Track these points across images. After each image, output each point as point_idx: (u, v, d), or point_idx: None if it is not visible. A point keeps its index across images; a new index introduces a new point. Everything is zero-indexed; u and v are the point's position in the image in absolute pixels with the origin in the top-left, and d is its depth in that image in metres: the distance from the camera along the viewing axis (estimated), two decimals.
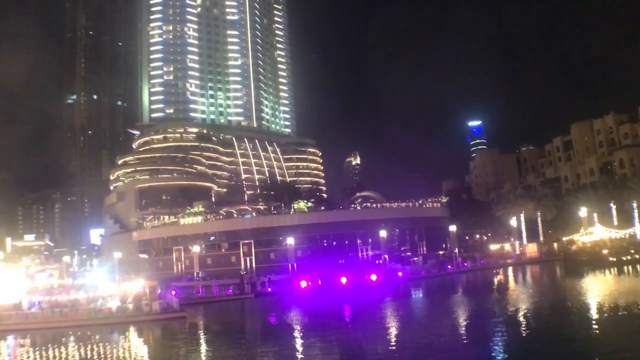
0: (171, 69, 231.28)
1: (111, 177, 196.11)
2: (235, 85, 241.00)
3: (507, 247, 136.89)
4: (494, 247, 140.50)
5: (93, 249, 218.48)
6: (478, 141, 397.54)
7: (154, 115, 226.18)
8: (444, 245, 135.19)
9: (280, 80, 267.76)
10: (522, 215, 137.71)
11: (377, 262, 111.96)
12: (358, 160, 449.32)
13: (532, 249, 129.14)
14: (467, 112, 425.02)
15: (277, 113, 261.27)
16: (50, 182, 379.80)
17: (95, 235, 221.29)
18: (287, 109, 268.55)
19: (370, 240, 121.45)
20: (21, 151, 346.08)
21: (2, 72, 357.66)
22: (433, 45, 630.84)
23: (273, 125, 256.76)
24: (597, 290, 68.61)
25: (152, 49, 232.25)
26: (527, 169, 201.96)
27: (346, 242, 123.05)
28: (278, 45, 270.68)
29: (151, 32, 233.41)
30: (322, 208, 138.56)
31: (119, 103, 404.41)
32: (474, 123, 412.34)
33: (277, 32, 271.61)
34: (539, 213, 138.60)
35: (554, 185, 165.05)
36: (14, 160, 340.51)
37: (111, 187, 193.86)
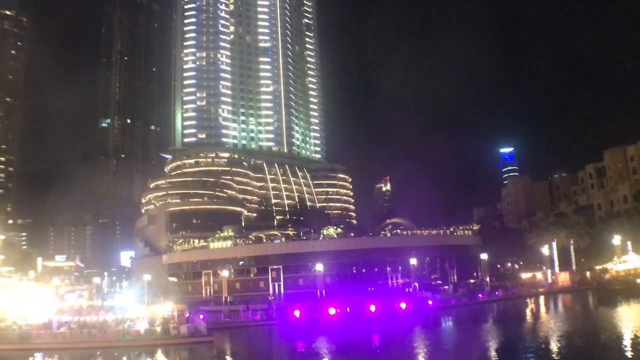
0: (204, 94, 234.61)
1: (143, 200, 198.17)
2: (266, 111, 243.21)
3: (539, 275, 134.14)
4: (525, 275, 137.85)
5: (123, 271, 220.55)
6: (510, 168, 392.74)
7: (186, 139, 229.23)
8: (475, 274, 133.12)
9: (311, 106, 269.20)
10: (554, 244, 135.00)
11: (406, 290, 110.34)
12: (388, 187, 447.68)
13: (564, 277, 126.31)
14: (498, 138, 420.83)
15: (307, 139, 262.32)
16: (83, 204, 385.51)
17: (126, 257, 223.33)
18: (317, 134, 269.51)
19: (400, 267, 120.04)
20: (54, 173, 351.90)
21: (37, 93, 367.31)
22: (465, 73, 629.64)
23: (303, 151, 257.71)
24: (630, 320, 66.64)
25: (185, 74, 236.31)
26: (560, 196, 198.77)
27: (376, 269, 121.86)
28: (309, 72, 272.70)
29: (185, 59, 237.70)
30: (352, 234, 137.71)
31: (152, 127, 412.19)
32: (505, 150, 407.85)
33: (308, 59, 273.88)
34: (571, 241, 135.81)
35: (587, 213, 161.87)
36: (45, 182, 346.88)
37: (142, 210, 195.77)
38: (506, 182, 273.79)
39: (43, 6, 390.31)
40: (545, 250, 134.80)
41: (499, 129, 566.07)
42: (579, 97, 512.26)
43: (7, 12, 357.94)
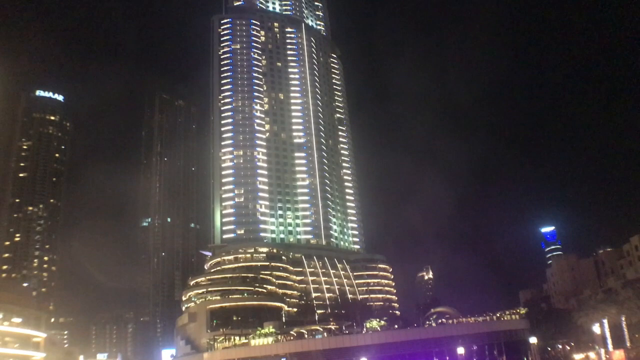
0: (242, 191, 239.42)
1: (183, 298, 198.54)
2: (303, 205, 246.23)
3: (592, 355, 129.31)
4: (578, 356, 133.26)
5: None
6: (553, 247, 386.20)
7: (225, 236, 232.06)
8: (525, 358, 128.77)
9: (347, 197, 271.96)
10: (605, 321, 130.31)
11: None
12: (430, 275, 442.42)
13: (619, 356, 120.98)
14: (539, 218, 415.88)
15: (345, 229, 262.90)
16: (124, 302, 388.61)
17: (167, 355, 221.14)
18: (355, 224, 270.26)
19: (447, 357, 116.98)
20: (96, 272, 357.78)
21: (79, 193, 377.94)
22: (502, 150, 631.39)
23: (342, 242, 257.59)
24: None
25: (223, 173, 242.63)
26: (606, 271, 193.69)
27: None
28: (344, 164, 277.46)
29: (223, 157, 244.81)
30: (396, 326, 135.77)
31: (192, 225, 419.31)
32: (547, 229, 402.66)
33: (342, 151, 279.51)
34: (623, 317, 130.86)
35: (637, 286, 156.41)
36: (87, 281, 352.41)
37: (183, 308, 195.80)
38: (550, 261, 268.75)
39: (86, 112, 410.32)
40: (596, 328, 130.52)
41: (539, 209, 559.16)
42: (616, 171, 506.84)
43: (52, 118, 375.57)
